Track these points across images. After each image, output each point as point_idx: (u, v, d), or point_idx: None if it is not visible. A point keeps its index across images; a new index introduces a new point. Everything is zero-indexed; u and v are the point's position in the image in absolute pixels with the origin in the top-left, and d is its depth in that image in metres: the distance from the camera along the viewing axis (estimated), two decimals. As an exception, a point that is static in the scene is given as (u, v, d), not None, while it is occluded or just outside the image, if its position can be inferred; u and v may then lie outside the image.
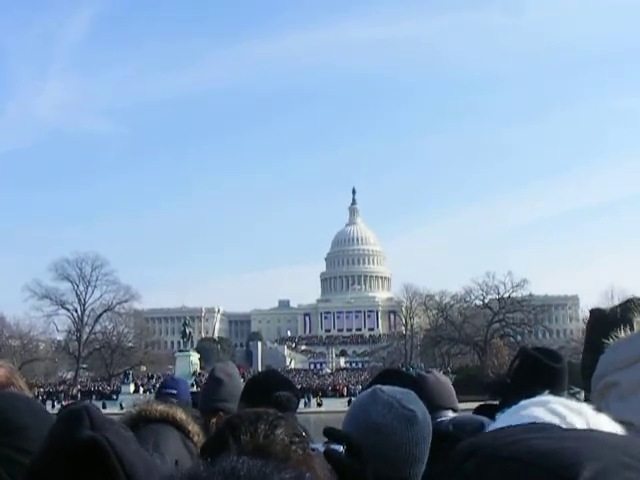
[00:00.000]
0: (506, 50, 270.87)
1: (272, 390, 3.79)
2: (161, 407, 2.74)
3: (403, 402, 2.66)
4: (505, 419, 1.20)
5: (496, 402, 3.80)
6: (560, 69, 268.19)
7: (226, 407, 4.38)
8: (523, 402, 1.25)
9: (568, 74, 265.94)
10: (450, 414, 4.84)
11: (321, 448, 2.33)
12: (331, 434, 2.48)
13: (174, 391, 6.18)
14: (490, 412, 3.71)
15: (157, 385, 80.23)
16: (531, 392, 3.39)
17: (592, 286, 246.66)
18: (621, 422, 1.05)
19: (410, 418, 2.63)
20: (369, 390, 2.78)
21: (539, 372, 3.46)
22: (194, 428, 2.76)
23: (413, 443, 2.61)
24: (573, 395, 3.71)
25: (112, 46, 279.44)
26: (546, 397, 1.23)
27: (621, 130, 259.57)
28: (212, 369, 4.68)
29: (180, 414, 2.74)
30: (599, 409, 1.02)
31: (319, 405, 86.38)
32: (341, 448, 2.35)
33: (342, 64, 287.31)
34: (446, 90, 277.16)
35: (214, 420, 4.35)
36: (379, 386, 2.76)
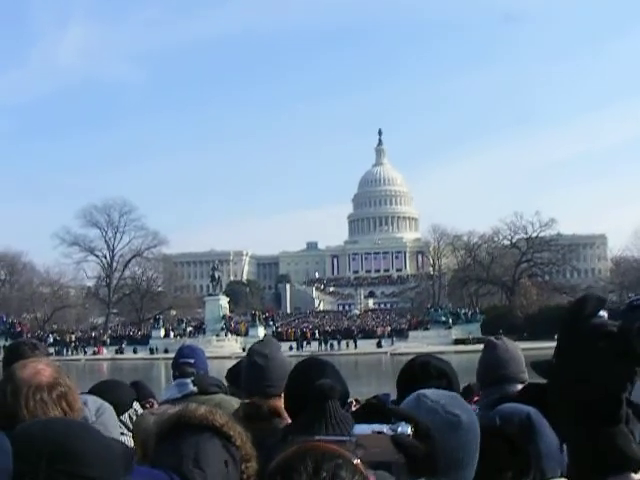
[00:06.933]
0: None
1: (313, 378, 3.71)
2: (200, 412, 2.64)
3: (447, 407, 2.54)
4: None
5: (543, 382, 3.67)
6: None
7: (273, 392, 4.39)
8: None
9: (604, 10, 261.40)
10: (519, 387, 4.49)
11: (387, 430, 2.19)
12: (396, 414, 2.38)
13: (191, 360, 6.06)
14: (534, 395, 3.59)
15: (185, 328, 79.97)
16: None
17: (621, 225, 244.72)
18: None
19: (454, 423, 2.52)
20: (413, 396, 2.65)
21: None
22: (235, 431, 2.66)
23: (459, 448, 2.50)
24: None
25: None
26: None
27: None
28: (249, 352, 4.62)
29: (220, 419, 2.64)
30: None
31: (349, 347, 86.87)
32: (408, 430, 2.22)
33: (371, 5, 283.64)
34: (478, 27, 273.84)
35: (247, 402, 4.38)
36: (423, 391, 2.64)
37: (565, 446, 1.84)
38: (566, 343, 1.65)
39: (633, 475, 1.57)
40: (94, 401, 3.92)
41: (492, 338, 4.89)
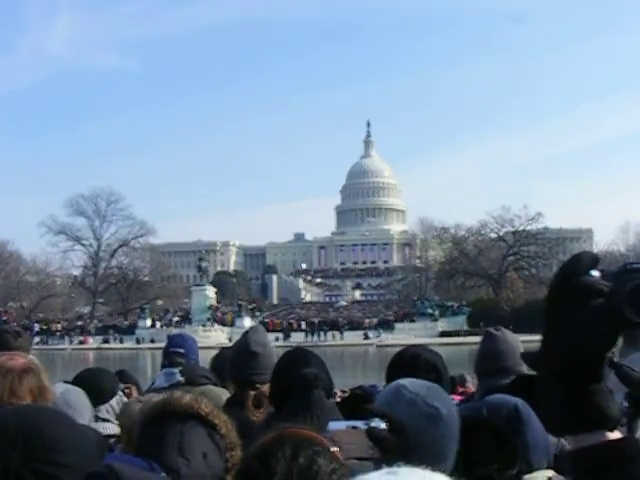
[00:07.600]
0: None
1: (298, 368, 3.69)
2: (186, 400, 2.62)
3: (427, 399, 2.55)
4: None
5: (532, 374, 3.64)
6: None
7: (261, 379, 4.39)
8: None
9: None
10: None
11: (362, 425, 2.31)
12: (372, 411, 2.46)
13: (181, 350, 6.00)
14: (523, 386, 3.58)
15: (171, 319, 79.86)
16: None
17: (608, 220, 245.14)
18: None
19: (434, 416, 2.53)
20: (392, 386, 2.67)
21: None
22: (220, 420, 2.64)
23: (437, 440, 2.51)
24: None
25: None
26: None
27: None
28: (245, 340, 4.59)
29: (205, 407, 2.62)
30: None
31: (335, 338, 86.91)
32: (382, 425, 2.33)
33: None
34: (471, 21, 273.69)
35: (253, 393, 4.36)
36: (402, 382, 2.65)
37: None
38: (556, 298, 1.65)
39: (609, 433, 1.61)
40: (62, 384, 3.95)
41: (491, 329, 4.85)
